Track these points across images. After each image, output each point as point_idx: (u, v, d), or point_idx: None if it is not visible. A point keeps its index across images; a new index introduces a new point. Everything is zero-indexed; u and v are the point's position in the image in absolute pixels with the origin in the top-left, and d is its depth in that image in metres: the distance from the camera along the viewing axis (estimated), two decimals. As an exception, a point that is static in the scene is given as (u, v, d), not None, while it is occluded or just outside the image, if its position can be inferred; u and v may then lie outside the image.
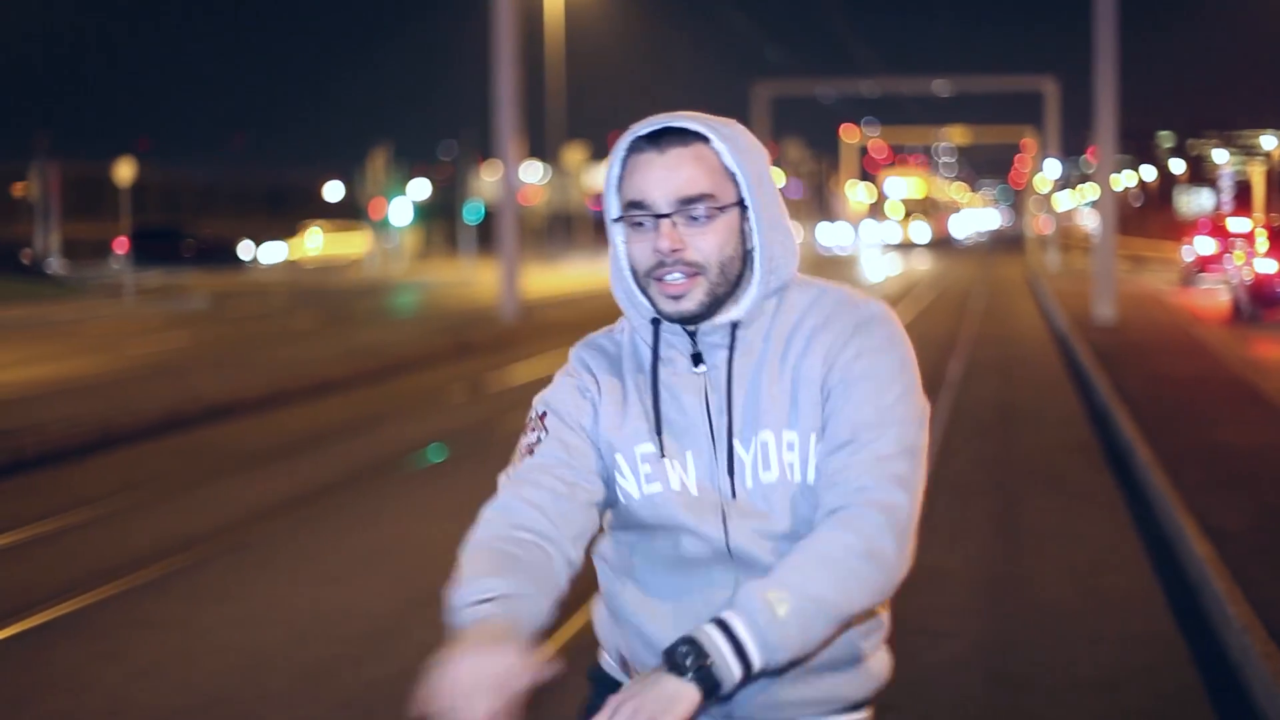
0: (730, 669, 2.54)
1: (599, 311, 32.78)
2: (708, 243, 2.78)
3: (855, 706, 2.99)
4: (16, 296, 39.38)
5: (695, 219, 2.78)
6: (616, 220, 2.86)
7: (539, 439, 2.95)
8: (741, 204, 2.83)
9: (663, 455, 2.88)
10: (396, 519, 11.62)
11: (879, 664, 3.04)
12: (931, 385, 19.79)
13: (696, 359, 2.89)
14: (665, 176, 2.77)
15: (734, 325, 2.86)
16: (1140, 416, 14.92)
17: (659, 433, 2.89)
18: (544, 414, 2.98)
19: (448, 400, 19.19)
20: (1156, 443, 13.23)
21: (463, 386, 20.38)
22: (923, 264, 71.52)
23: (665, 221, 2.77)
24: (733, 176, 2.82)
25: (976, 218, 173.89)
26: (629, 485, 2.91)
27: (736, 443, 2.84)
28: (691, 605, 2.88)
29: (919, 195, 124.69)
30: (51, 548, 10.83)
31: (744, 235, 2.84)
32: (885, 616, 3.06)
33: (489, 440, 15.60)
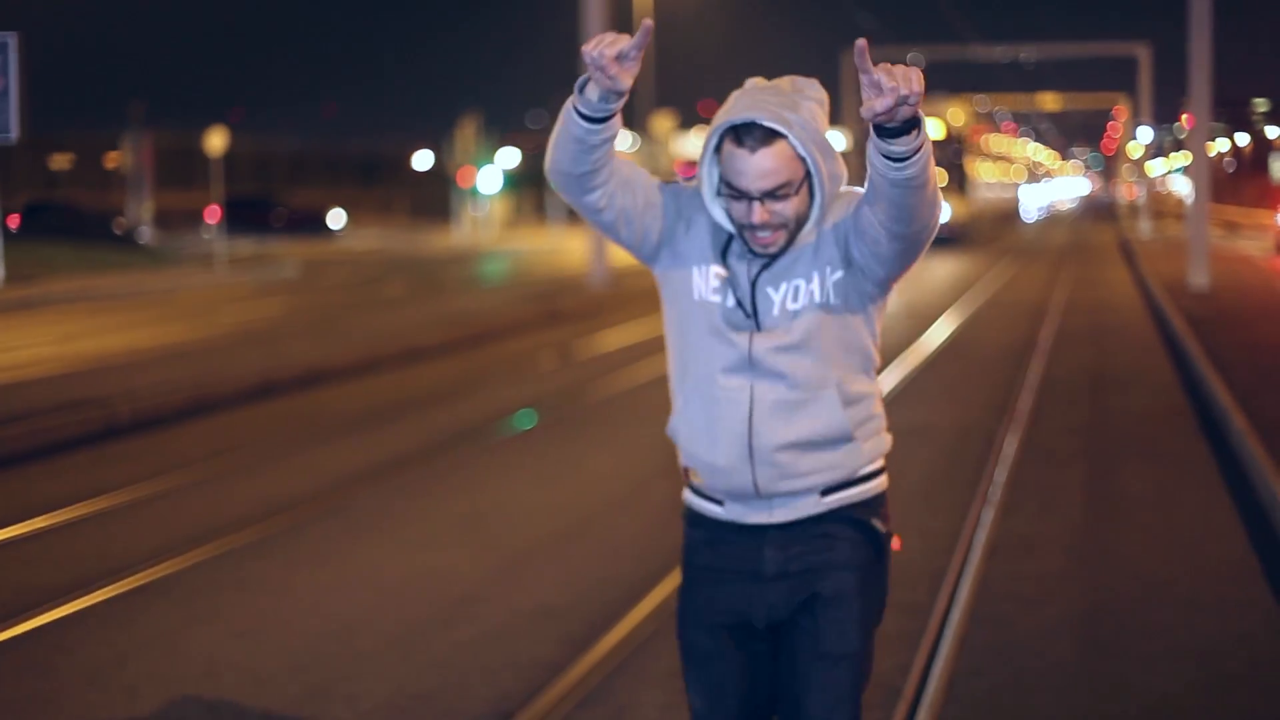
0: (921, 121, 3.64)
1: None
2: (788, 209, 3.92)
3: (864, 478, 4.11)
4: (110, 266, 39.76)
5: (778, 197, 3.89)
6: (718, 195, 4.01)
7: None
8: (809, 175, 3.93)
9: (732, 287, 4.02)
10: (487, 485, 11.67)
11: (873, 446, 4.12)
12: (1023, 352, 19.69)
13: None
14: (755, 175, 3.87)
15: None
16: (1235, 383, 14.77)
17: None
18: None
19: (538, 367, 19.23)
20: (1251, 409, 13.10)
21: (553, 353, 20.43)
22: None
23: (757, 203, 3.89)
24: (804, 160, 3.89)
25: (1059, 187, 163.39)
26: (700, 283, 4.06)
27: (768, 289, 3.99)
28: (721, 414, 4.02)
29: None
30: (147, 512, 10.94)
31: (811, 190, 3.96)
32: (877, 412, 4.14)
33: (579, 407, 15.64)
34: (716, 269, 4.02)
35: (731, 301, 4.01)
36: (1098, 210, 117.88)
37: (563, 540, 9.88)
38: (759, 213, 3.87)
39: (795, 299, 3.98)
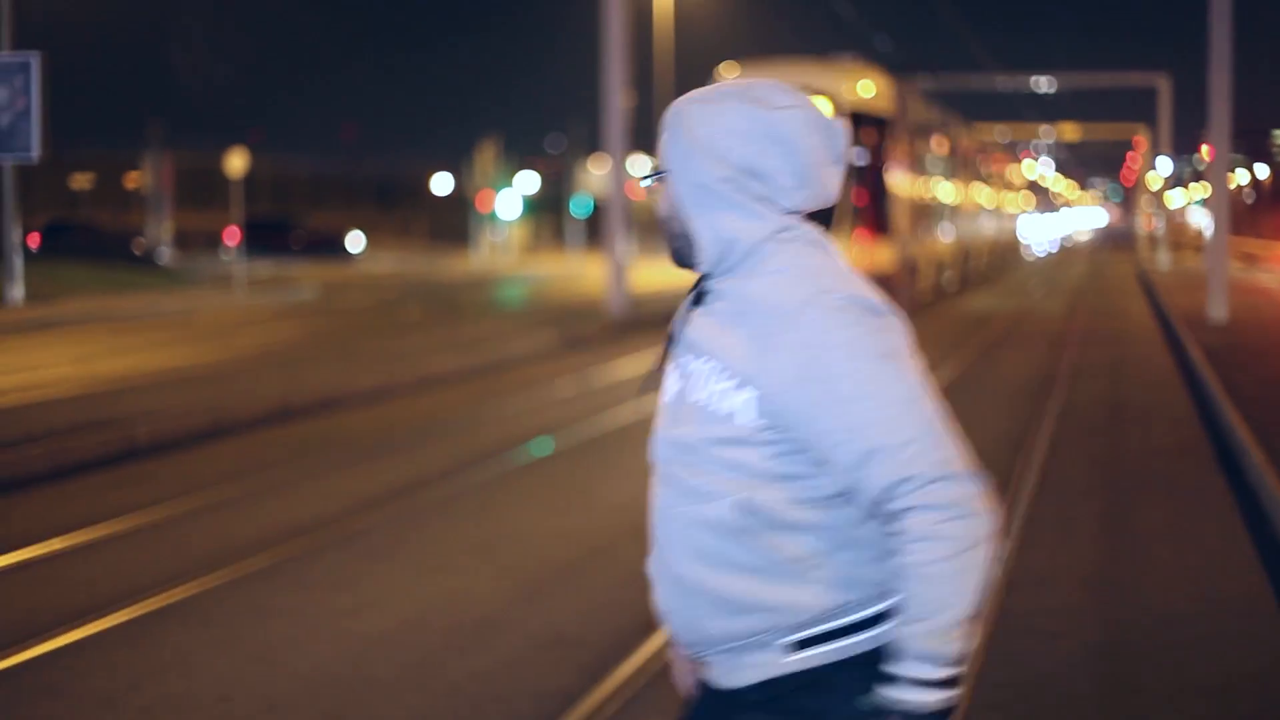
0: (927, 700, 2.83)
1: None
2: (662, 199, 3.11)
3: (843, 630, 2.99)
4: (129, 286, 39.85)
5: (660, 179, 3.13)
6: None
7: None
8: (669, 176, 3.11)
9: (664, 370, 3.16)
10: (503, 511, 11.67)
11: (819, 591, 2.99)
12: (1042, 384, 19.65)
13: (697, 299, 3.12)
14: None
15: (702, 276, 3.11)
16: (1252, 417, 14.73)
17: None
18: None
19: (555, 394, 19.23)
20: (1269, 444, 13.06)
21: (570, 380, 20.43)
22: None
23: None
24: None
25: (1076, 218, 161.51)
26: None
27: (685, 355, 3.06)
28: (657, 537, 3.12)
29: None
30: (164, 534, 10.96)
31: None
32: (823, 549, 3.02)
33: (595, 434, 15.63)
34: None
35: (667, 395, 3.16)
36: (1116, 241, 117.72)
37: (578, 568, 9.88)
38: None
39: (695, 388, 3.04)
